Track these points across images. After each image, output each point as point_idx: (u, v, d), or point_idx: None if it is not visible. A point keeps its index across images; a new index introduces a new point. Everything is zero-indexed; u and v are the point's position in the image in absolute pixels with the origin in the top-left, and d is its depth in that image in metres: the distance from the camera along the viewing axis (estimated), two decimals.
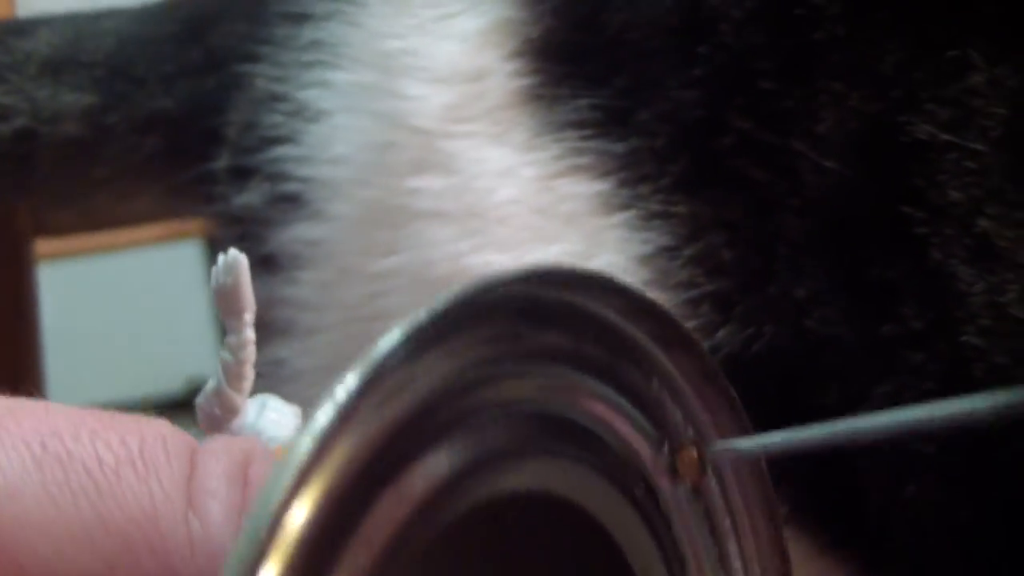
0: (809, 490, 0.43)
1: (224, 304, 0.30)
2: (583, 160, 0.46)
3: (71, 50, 0.64)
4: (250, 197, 0.55)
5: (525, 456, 0.27)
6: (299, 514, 0.22)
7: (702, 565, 0.29)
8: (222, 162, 0.58)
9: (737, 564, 0.29)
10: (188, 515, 0.25)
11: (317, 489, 0.23)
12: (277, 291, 0.53)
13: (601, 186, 0.46)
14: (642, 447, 0.28)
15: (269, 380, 0.55)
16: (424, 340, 0.24)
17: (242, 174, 0.55)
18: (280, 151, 0.54)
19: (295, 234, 0.53)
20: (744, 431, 0.29)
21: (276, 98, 0.55)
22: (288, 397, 0.57)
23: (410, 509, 0.24)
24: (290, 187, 0.53)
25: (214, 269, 0.30)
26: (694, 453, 0.28)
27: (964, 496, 0.44)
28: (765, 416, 0.44)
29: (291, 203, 0.53)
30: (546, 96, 0.47)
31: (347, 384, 0.23)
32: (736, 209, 0.44)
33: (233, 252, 0.30)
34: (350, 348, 0.48)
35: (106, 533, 0.25)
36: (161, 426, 0.27)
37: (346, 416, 0.23)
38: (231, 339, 0.30)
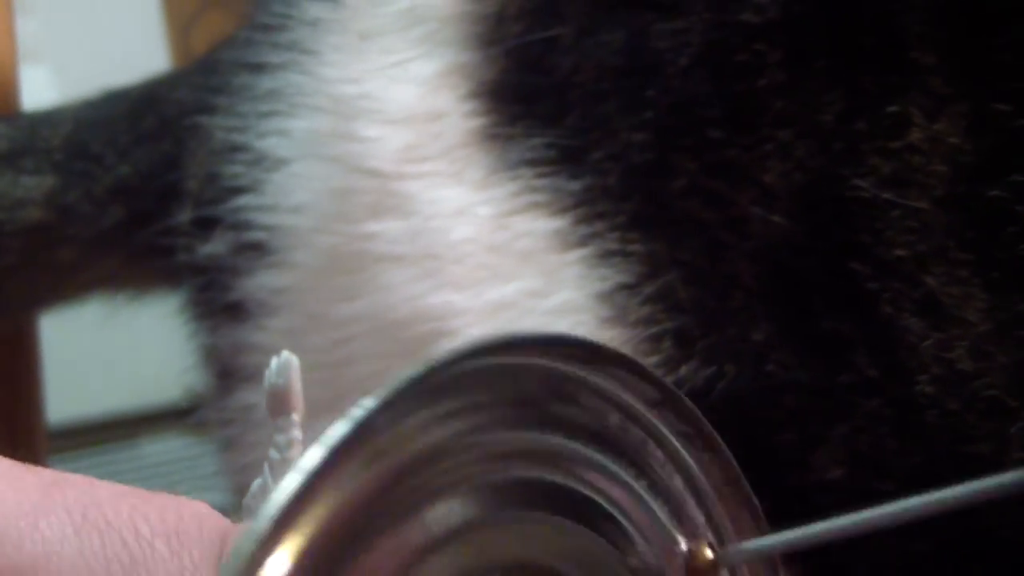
0: (776, 521, 0.44)
1: (274, 404, 0.31)
2: (539, 197, 0.47)
3: (28, 140, 0.65)
4: (215, 247, 0.55)
5: (532, 525, 0.27)
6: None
7: None
8: (184, 215, 0.58)
9: None
10: None
11: (292, 548, 0.23)
12: (245, 338, 0.53)
13: (557, 223, 0.46)
14: (660, 541, 0.28)
15: (240, 426, 0.55)
16: (412, 399, 0.24)
17: (206, 225, 0.56)
18: (243, 200, 0.54)
19: (261, 282, 0.53)
20: (761, 533, 0.29)
21: (236, 148, 0.56)
22: (258, 442, 0.57)
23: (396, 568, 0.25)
24: (254, 236, 0.53)
25: (267, 371, 0.31)
26: (709, 554, 0.28)
27: (919, 532, 0.44)
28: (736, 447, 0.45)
29: (256, 251, 0.53)
30: (501, 135, 0.48)
31: (321, 450, 0.23)
32: (690, 250, 0.45)
33: (286, 354, 0.30)
34: (318, 395, 0.48)
35: None
36: (199, 507, 0.28)
37: (323, 476, 0.23)
38: (279, 438, 0.31)
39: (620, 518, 0.28)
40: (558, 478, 0.27)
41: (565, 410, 0.27)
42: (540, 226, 0.47)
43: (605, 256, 0.45)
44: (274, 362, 0.30)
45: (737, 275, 0.44)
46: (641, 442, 0.28)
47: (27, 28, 0.84)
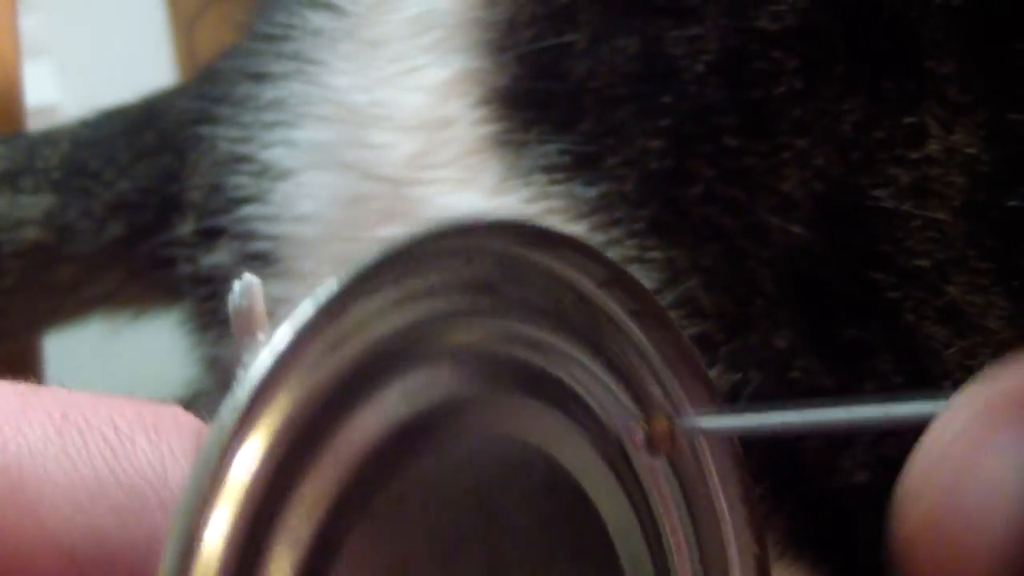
0: (802, 524, 0.43)
1: (240, 326, 0.31)
2: (553, 204, 0.46)
3: (26, 160, 0.65)
4: (219, 257, 0.55)
5: (493, 400, 0.27)
6: (246, 458, 0.23)
7: (680, 542, 0.29)
8: (186, 227, 0.58)
9: (714, 545, 0.29)
10: None
11: (263, 433, 0.23)
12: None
13: (574, 229, 0.46)
14: (620, 416, 0.28)
15: None
16: (376, 281, 0.24)
17: (210, 235, 0.55)
18: (247, 211, 0.53)
19: (266, 292, 0.53)
20: (717, 408, 0.29)
21: (240, 159, 0.55)
22: None
23: (364, 454, 0.25)
24: (259, 246, 0.53)
25: (230, 295, 0.31)
26: (667, 425, 0.28)
27: None
28: (751, 460, 0.44)
29: (261, 261, 0.53)
30: (513, 142, 0.47)
31: (289, 330, 0.23)
32: (710, 256, 0.45)
33: (248, 276, 0.30)
34: None
35: (120, 490, 0.27)
36: (174, 407, 0.29)
37: (296, 354, 0.23)
38: (248, 359, 0.31)
39: (584, 397, 0.28)
40: (523, 358, 0.27)
41: (519, 292, 0.27)
42: None
43: (624, 263, 0.45)
44: (237, 285, 0.30)
45: (758, 282, 0.44)
46: (594, 321, 0.28)
47: (30, 24, 0.83)
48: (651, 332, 0.28)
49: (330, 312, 0.24)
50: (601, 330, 0.28)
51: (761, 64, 0.45)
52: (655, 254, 0.45)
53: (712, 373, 0.43)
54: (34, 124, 0.72)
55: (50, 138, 0.67)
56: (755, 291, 0.44)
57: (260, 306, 0.31)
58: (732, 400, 0.44)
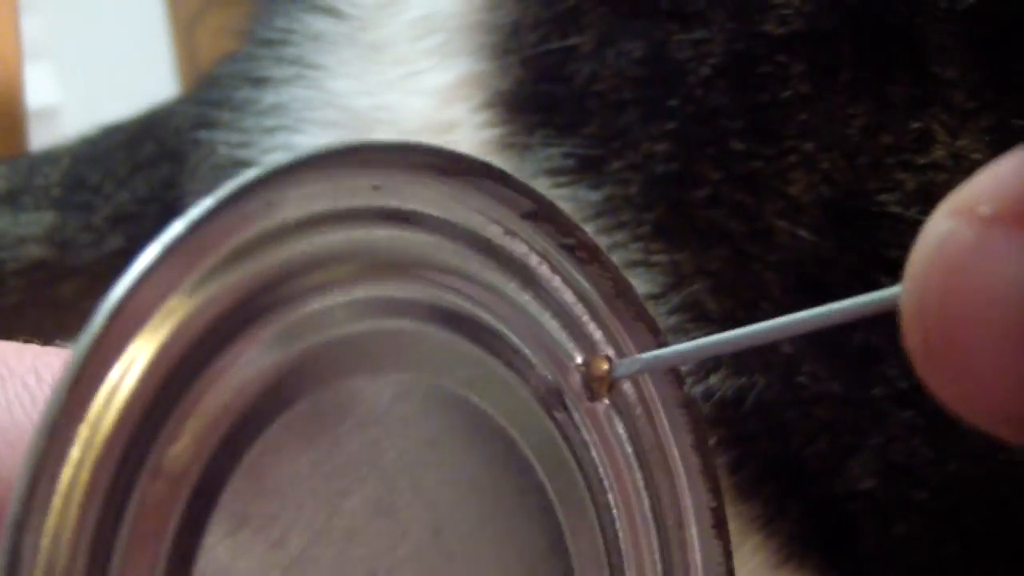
0: (807, 528, 0.43)
1: None
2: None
3: (27, 178, 0.65)
4: None
5: (399, 337, 0.25)
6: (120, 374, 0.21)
7: (626, 490, 0.27)
8: None
9: (667, 496, 0.28)
10: None
11: (141, 348, 0.22)
12: None
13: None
14: (555, 358, 0.27)
15: None
16: (279, 195, 0.23)
17: None
18: None
19: None
20: (660, 348, 0.27)
21: (239, 164, 0.55)
22: None
23: (247, 394, 0.23)
24: None
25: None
26: (605, 366, 0.27)
27: (951, 535, 0.44)
28: (756, 464, 0.44)
29: None
30: (517, 145, 0.47)
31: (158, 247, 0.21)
32: (716, 260, 0.44)
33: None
34: None
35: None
36: None
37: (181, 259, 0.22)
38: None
39: (512, 336, 0.26)
40: (440, 293, 0.25)
41: (437, 222, 0.25)
42: None
43: (628, 266, 0.44)
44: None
45: (764, 286, 0.44)
46: (524, 256, 0.26)
47: (31, 26, 0.83)
48: (585, 268, 0.27)
49: (227, 218, 0.22)
50: (532, 266, 0.26)
51: (767, 68, 0.44)
52: (660, 257, 0.44)
53: (716, 377, 0.43)
54: (35, 125, 0.72)
55: (51, 156, 0.67)
56: (761, 295, 0.44)
57: None
58: (737, 405, 0.43)
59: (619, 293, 0.27)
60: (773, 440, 0.43)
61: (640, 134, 0.45)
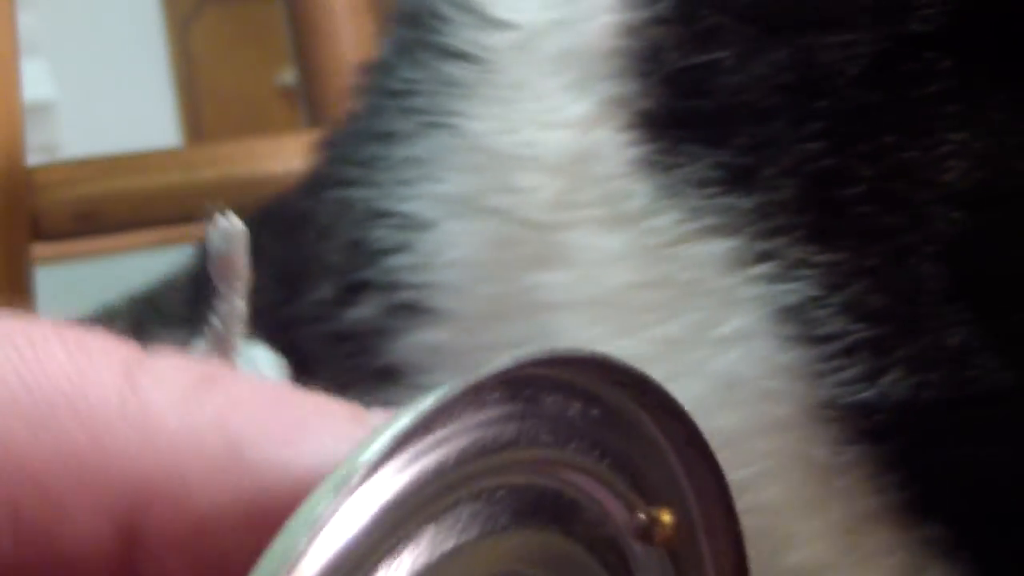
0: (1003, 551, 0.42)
1: (219, 272, 0.30)
2: (708, 220, 0.46)
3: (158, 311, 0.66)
4: (361, 311, 0.54)
5: (510, 533, 0.25)
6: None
7: None
8: (323, 291, 0.58)
9: None
10: (123, 389, 0.25)
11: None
12: (399, 399, 0.52)
13: (730, 243, 0.45)
14: (617, 510, 0.27)
15: None
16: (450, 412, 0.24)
17: (351, 290, 0.55)
18: (392, 261, 0.53)
19: (414, 341, 0.52)
20: (724, 494, 0.27)
21: (379, 215, 0.55)
22: None
23: None
24: (405, 295, 0.52)
25: (210, 235, 0.30)
26: (668, 516, 0.27)
27: None
28: (943, 469, 0.43)
29: (407, 311, 0.52)
30: (663, 163, 0.47)
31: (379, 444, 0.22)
32: (875, 256, 0.44)
33: (232, 218, 0.29)
34: None
35: (31, 400, 0.25)
36: (101, 329, 0.28)
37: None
38: (222, 307, 0.30)
39: (582, 502, 0.26)
40: (534, 480, 0.26)
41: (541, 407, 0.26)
42: (710, 249, 0.45)
43: (787, 271, 0.44)
44: (219, 226, 0.29)
45: (924, 279, 0.43)
46: (598, 418, 0.26)
47: (26, 22, 0.84)
48: (659, 421, 0.27)
49: (419, 427, 0.23)
50: (606, 426, 0.26)
51: (915, 65, 0.44)
52: (819, 259, 0.44)
53: (889, 378, 0.42)
54: (30, 120, 0.72)
55: (172, 284, 0.68)
56: (922, 289, 0.43)
57: (241, 253, 0.30)
58: (912, 407, 0.42)
59: (689, 441, 0.27)
60: (957, 443, 0.42)
61: (790, 138, 0.45)
